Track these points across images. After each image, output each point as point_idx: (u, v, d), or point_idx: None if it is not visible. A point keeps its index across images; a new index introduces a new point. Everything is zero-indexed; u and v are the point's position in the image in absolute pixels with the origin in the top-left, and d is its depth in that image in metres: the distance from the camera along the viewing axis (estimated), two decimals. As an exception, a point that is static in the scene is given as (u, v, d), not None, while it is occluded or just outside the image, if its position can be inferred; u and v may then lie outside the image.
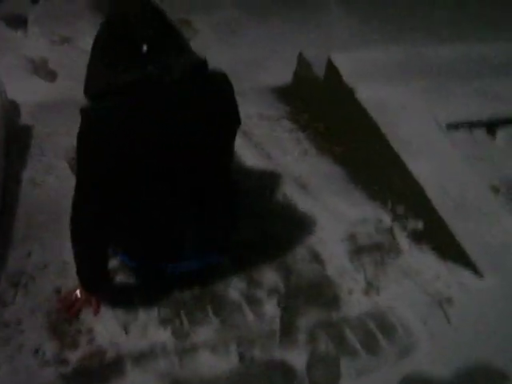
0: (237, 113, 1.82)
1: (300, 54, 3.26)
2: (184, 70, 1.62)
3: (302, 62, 3.25)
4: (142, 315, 1.95)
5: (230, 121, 1.82)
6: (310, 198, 2.47)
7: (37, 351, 1.81)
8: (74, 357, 1.81)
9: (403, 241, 2.31)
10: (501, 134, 2.69)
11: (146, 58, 1.58)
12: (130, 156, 1.63)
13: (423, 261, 2.22)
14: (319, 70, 3.07)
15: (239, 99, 1.79)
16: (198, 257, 1.94)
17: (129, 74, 1.58)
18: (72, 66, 3.22)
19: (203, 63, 1.69)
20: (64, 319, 1.93)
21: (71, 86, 2.99)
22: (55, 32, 3.42)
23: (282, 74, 3.25)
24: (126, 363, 1.80)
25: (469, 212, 2.28)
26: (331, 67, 2.94)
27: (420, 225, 2.36)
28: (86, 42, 3.30)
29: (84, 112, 1.61)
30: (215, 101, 1.72)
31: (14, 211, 2.26)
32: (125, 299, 1.99)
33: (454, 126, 2.65)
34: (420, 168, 2.42)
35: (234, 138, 1.87)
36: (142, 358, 1.82)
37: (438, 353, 1.89)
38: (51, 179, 2.50)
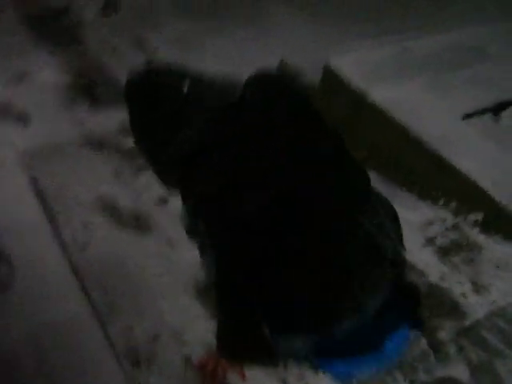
0: None
1: (282, 62, 3.18)
2: None
3: (286, 70, 3.18)
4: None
5: None
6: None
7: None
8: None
9: (475, 235, 2.38)
10: (505, 116, 2.86)
11: None
12: None
13: (505, 250, 2.30)
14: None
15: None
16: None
17: None
18: (41, 103, 2.86)
19: None
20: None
21: (50, 128, 2.70)
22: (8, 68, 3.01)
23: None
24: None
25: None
26: (330, 72, 2.92)
27: (480, 216, 2.45)
28: (45, 74, 2.97)
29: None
30: None
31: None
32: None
33: (468, 116, 2.78)
34: (464, 161, 2.50)
35: None
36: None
37: None
38: (97, 238, 2.21)
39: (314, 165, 1.49)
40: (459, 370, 1.86)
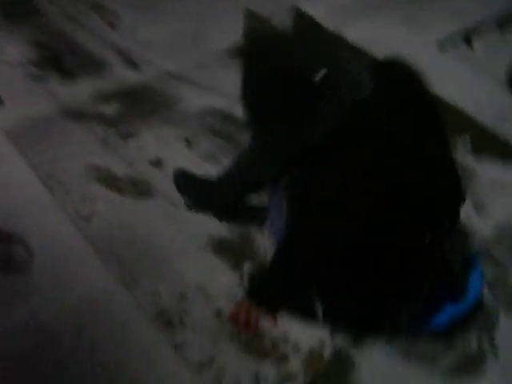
0: None
1: (247, 10, 3.14)
2: None
3: (253, 19, 3.14)
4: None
5: None
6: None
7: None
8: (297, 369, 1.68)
9: (467, 160, 2.44)
10: (477, 44, 2.93)
11: None
12: None
13: (497, 172, 2.38)
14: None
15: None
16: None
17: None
18: (10, 82, 2.76)
19: None
20: (251, 337, 1.77)
21: (25, 106, 2.62)
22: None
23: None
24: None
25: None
26: (301, 15, 2.90)
27: (468, 141, 2.52)
28: (9, 52, 2.87)
29: None
30: None
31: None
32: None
33: (442, 46, 2.82)
34: (445, 89, 2.55)
35: None
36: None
37: None
38: (99, 208, 2.18)
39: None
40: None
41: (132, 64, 2.90)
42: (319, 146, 1.36)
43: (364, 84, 1.40)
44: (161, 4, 3.37)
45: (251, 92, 1.44)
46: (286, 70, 1.36)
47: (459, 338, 1.78)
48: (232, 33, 3.13)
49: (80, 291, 1.74)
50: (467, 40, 2.90)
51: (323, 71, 1.34)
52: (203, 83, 2.80)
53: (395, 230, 1.40)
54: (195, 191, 2.11)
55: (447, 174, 1.55)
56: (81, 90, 2.73)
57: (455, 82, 2.60)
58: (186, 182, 2.13)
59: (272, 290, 1.61)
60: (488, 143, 2.48)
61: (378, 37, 2.75)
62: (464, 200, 1.64)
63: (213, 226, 2.07)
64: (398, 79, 1.53)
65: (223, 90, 2.74)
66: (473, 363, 1.75)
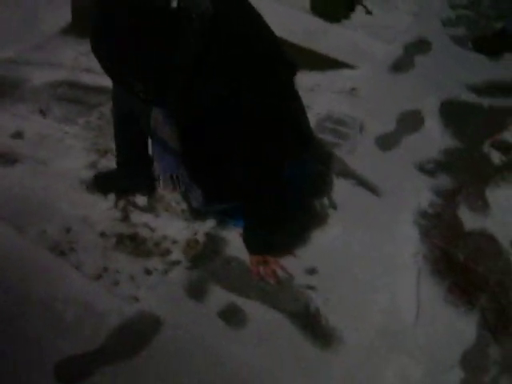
0: None
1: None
2: None
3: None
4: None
5: None
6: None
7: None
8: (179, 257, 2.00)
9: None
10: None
11: None
12: None
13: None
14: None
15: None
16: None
17: None
18: None
19: None
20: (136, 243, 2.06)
21: None
22: None
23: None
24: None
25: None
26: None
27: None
28: None
29: None
30: None
31: None
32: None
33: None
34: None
35: None
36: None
37: None
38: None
39: None
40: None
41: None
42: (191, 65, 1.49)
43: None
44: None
45: (111, 29, 1.38)
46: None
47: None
48: (62, 12, 3.34)
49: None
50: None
51: None
52: (44, 62, 3.00)
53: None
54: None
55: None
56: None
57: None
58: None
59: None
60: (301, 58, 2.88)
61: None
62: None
63: (81, 172, 2.31)
64: None
65: (63, 64, 2.96)
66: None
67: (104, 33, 1.39)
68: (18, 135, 2.56)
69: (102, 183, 2.23)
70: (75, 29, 3.23)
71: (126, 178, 2.20)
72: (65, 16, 3.29)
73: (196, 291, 1.87)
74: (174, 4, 1.37)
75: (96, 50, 1.41)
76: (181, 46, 1.43)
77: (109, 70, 1.45)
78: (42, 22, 3.27)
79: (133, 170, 2.18)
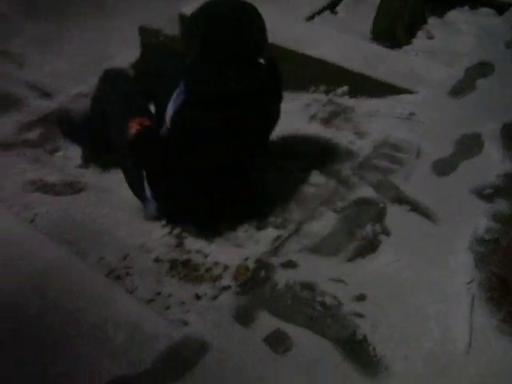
0: None
1: (141, 28, 3.53)
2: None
3: (147, 33, 3.52)
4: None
5: None
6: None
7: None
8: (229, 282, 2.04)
9: (346, 101, 2.88)
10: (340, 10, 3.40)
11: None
12: None
13: (372, 103, 2.81)
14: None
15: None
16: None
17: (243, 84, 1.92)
18: None
19: None
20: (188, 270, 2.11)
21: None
22: None
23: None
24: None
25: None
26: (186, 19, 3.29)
27: (346, 87, 2.95)
28: None
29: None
30: None
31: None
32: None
33: (310, 18, 3.28)
34: (319, 51, 2.99)
35: None
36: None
37: None
38: (42, 210, 2.47)
39: None
40: (366, 190, 2.32)
41: (45, 94, 3.23)
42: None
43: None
44: (64, 35, 3.72)
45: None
46: None
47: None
48: (132, 48, 3.52)
49: (36, 264, 2.02)
50: (331, 7, 3.36)
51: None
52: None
53: None
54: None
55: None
56: (3, 125, 3.03)
57: (325, 43, 3.04)
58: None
59: None
60: (362, 85, 2.91)
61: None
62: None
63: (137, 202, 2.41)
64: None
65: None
66: (371, 245, 2.13)
67: None
68: (84, 166, 2.70)
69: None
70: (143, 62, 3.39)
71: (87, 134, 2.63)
72: (135, 53, 3.48)
73: (243, 316, 1.90)
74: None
75: None
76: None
77: None
78: (114, 58, 3.46)
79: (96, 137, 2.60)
